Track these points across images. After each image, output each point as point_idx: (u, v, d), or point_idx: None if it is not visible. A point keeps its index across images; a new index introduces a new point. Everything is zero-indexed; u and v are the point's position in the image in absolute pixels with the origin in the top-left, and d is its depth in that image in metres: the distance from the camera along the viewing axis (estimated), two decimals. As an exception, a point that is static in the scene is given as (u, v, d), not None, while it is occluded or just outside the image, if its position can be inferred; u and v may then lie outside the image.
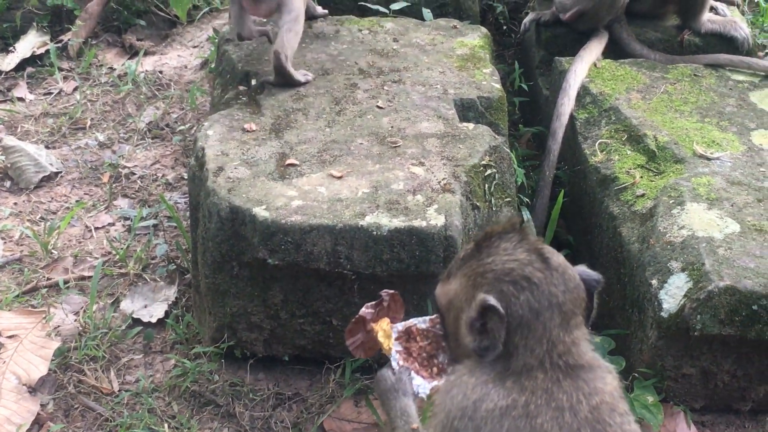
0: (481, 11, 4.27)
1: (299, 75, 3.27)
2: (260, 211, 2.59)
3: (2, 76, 4.55)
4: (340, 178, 2.75)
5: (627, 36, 3.86)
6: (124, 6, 4.85)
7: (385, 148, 2.91)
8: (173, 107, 4.28)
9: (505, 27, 4.34)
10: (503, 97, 3.30)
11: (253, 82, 3.31)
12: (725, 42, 3.90)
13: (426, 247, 2.56)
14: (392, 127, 3.03)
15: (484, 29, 3.76)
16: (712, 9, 4.04)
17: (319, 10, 3.71)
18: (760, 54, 4.11)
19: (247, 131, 2.99)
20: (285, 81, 3.24)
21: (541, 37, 4.00)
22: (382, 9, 3.91)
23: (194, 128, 4.08)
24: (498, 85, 3.33)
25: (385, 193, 2.68)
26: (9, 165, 3.86)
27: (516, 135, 3.83)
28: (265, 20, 3.54)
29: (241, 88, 3.31)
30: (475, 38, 3.66)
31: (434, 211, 2.61)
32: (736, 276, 2.56)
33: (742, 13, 4.32)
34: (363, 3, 3.95)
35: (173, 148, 4.04)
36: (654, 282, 2.68)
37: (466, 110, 3.21)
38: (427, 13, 3.92)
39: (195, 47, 4.71)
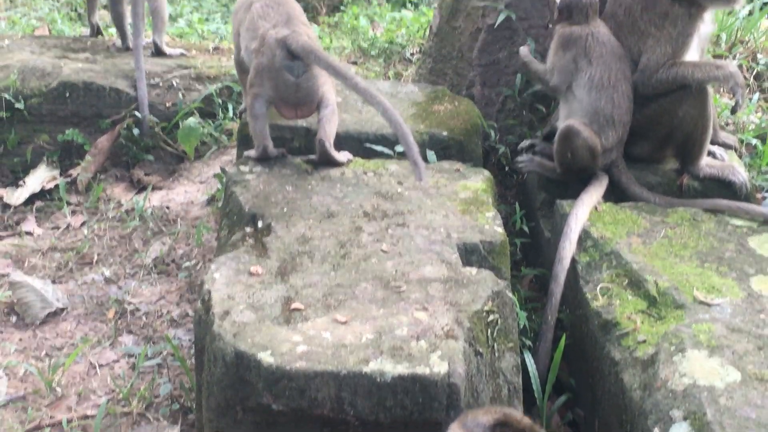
0: (484, 152, 4.39)
1: (341, 156, 3.85)
2: (265, 357, 2.64)
3: (11, 210, 4.67)
4: (344, 323, 2.81)
5: (626, 179, 3.97)
6: (132, 141, 5.00)
7: (389, 293, 2.98)
8: (179, 243, 4.37)
9: (507, 168, 4.45)
10: (505, 242, 3.39)
11: (260, 223, 3.40)
12: (724, 186, 4.00)
13: (429, 394, 2.60)
14: (396, 271, 3.10)
15: (486, 172, 3.87)
16: (710, 153, 4.16)
17: None
18: (759, 196, 4.20)
19: (253, 274, 3.06)
20: (329, 163, 3.81)
21: (542, 180, 4.11)
22: (386, 151, 4.02)
23: (199, 264, 4.17)
24: (500, 230, 3.42)
25: (389, 339, 2.73)
26: (16, 300, 3.92)
27: (518, 276, 3.90)
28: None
29: (247, 229, 3.39)
30: (477, 181, 3.76)
31: (437, 357, 2.66)
32: (738, 427, 2.59)
33: (740, 155, 4.44)
34: (368, 145, 4.06)
35: (178, 284, 4.11)
36: (656, 430, 2.71)
37: (469, 254, 3.29)
38: (431, 154, 4.04)
39: (202, 183, 4.83)
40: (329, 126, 3.82)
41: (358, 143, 4.11)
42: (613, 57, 3.98)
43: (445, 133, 4.15)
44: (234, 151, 4.82)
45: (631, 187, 3.96)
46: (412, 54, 6.02)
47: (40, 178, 4.85)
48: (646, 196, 3.92)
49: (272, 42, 3.75)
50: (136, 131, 4.96)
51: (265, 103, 3.81)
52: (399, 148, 4.04)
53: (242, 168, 3.78)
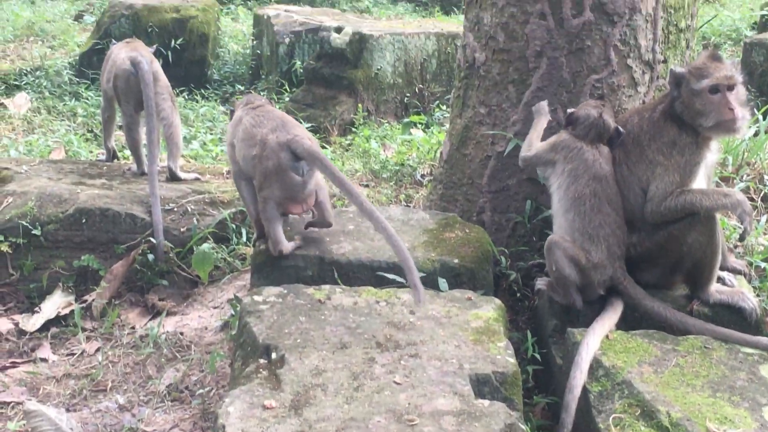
0: (495, 278, 4.47)
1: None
2: (280, 495, 2.68)
3: (27, 336, 4.74)
4: (358, 459, 2.85)
5: (636, 293, 4.04)
6: (147, 267, 5.09)
7: (402, 427, 3.02)
8: (193, 369, 4.42)
9: (518, 293, 4.52)
10: (517, 372, 3.44)
11: (273, 355, 3.47)
12: (734, 312, 4.07)
13: None
14: (409, 404, 3.15)
15: (498, 301, 3.94)
16: (720, 279, 4.23)
17: None
18: (768, 320, 4.26)
19: (267, 408, 3.11)
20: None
21: (553, 307, 4.18)
22: (399, 279, 4.11)
23: (213, 392, 4.21)
24: (512, 360, 3.48)
25: (403, 475, 2.77)
26: (29, 430, 3.96)
27: (530, 404, 3.94)
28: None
29: (261, 361, 3.46)
30: (489, 310, 3.83)
31: (451, 494, 2.70)
32: None
33: (749, 279, 4.51)
34: (381, 273, 4.15)
35: (192, 411, 4.15)
36: None
37: (482, 385, 3.34)
38: (442, 282, 4.12)
39: (215, 308, 4.90)
40: (330, 209, 4.37)
41: (370, 271, 4.20)
42: (593, 178, 4.13)
43: (456, 261, 4.24)
44: (247, 276, 4.91)
45: (643, 301, 4.03)
46: (422, 176, 6.15)
47: (55, 304, 4.94)
48: (659, 310, 3.98)
49: (275, 145, 3.99)
50: (150, 256, 5.06)
51: (276, 205, 4.07)
52: (411, 276, 4.12)
53: (256, 298, 3.86)
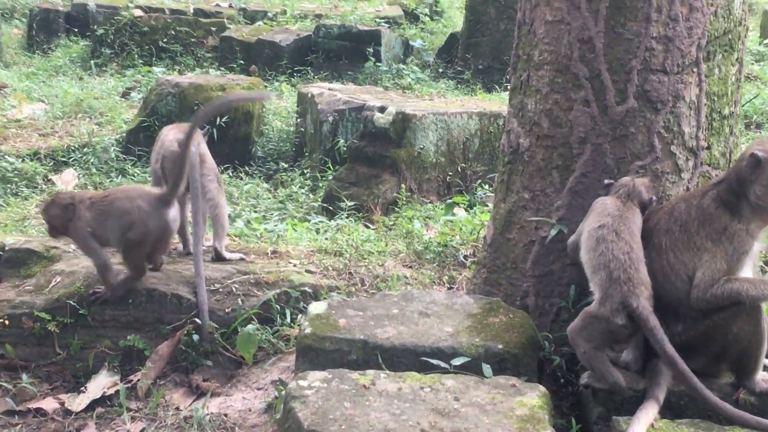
0: (539, 363, 4.51)
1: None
2: None
3: (72, 416, 4.83)
4: None
5: (651, 324, 4.04)
6: (192, 347, 5.18)
7: None
8: (236, 453, 4.48)
9: (562, 380, 4.56)
10: (562, 462, 3.48)
11: (319, 441, 3.52)
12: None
13: None
14: (454, 493, 3.19)
15: (542, 388, 3.98)
16: (766, 368, 4.24)
17: None
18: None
19: (313, 496, 3.17)
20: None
21: (597, 393, 4.20)
22: (443, 364, 4.16)
23: (256, 476, 4.27)
24: (557, 449, 3.51)
25: None
26: None
27: (575, 494, 3.95)
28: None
29: (307, 448, 3.52)
30: (534, 398, 3.87)
31: None
32: None
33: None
34: (425, 358, 4.21)
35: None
36: None
37: (526, 475, 3.37)
38: (486, 368, 4.16)
39: (260, 389, 4.96)
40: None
41: (414, 356, 4.26)
42: (606, 215, 4.27)
43: (500, 347, 4.29)
44: (291, 358, 4.98)
45: (663, 345, 3.96)
46: (465, 257, 6.22)
47: (101, 383, 5.03)
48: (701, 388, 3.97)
49: None
50: (195, 337, 5.15)
51: None
52: (455, 362, 4.18)
53: (301, 382, 3.92)
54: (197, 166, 5.60)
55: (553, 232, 4.72)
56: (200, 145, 5.77)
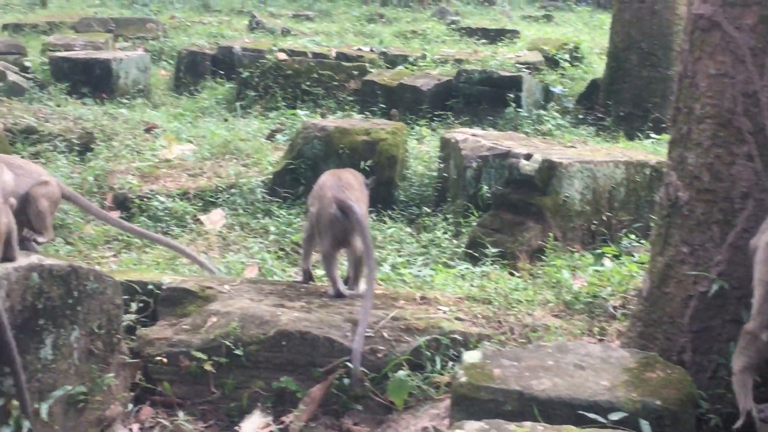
0: (696, 421, 4.45)
1: None
2: None
3: (230, 455, 4.97)
4: None
5: None
6: (342, 391, 5.27)
7: None
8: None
9: (722, 438, 4.50)
10: None
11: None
12: None
13: None
14: None
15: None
16: None
17: None
18: None
19: None
20: None
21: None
22: (600, 419, 4.15)
23: None
24: None
25: None
26: None
27: None
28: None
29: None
30: (695, 458, 3.83)
31: None
32: None
33: None
34: (582, 412, 4.20)
35: None
36: None
37: None
38: (644, 424, 4.15)
39: (410, 438, 5.03)
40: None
41: (570, 409, 4.26)
42: None
43: (658, 403, 4.26)
44: (442, 405, 5.03)
45: None
46: (614, 307, 6.18)
47: (254, 424, 5.16)
48: None
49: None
50: (346, 381, 5.23)
51: None
52: (613, 417, 4.16)
53: (458, 432, 3.97)
54: (367, 230, 5.78)
55: (714, 287, 4.67)
56: (361, 205, 5.92)
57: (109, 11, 23.54)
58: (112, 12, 23.12)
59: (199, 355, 5.34)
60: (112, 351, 5.13)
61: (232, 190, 9.51)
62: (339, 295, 5.94)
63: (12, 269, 4.59)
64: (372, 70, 14.42)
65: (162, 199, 9.17)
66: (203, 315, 5.66)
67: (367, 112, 12.91)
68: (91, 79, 14.45)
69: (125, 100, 14.13)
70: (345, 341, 5.36)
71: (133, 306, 5.77)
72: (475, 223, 8.43)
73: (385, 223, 8.94)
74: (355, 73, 14.21)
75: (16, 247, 4.72)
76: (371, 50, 15.81)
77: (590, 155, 8.65)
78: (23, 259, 4.72)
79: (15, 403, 4.51)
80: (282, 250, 8.30)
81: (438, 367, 5.36)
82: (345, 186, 5.93)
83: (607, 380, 4.44)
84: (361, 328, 5.32)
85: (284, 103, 13.75)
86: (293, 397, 5.28)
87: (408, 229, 8.88)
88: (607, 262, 7.26)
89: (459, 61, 15.20)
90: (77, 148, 10.97)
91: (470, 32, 19.86)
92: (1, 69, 14.09)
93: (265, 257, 7.81)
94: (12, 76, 14.10)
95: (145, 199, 9.19)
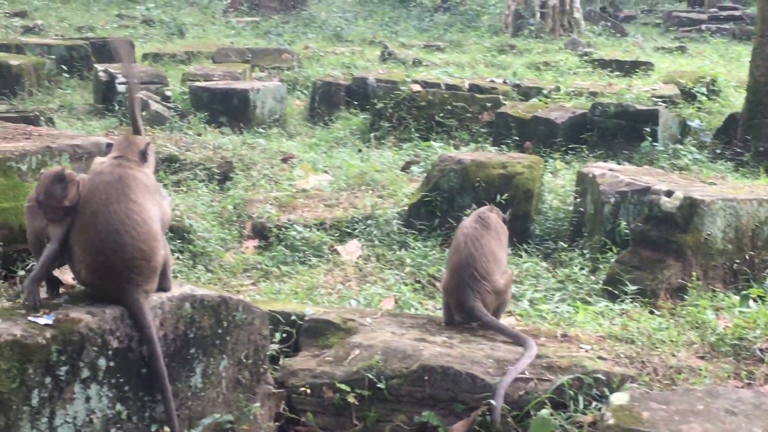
0: None
1: None
2: None
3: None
4: None
5: None
6: (485, 427, 5.26)
7: None
8: None
9: None
10: None
11: None
12: None
13: None
14: None
15: None
16: None
17: None
18: None
19: None
20: None
21: None
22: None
23: None
24: None
25: None
26: None
27: None
28: None
29: None
30: None
31: None
32: None
33: None
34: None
35: None
36: None
37: None
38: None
39: (552, 477, 4.99)
40: None
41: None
42: None
43: (815, 453, 4.15)
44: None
45: None
46: (762, 351, 6.03)
47: (396, 457, 5.20)
48: None
49: None
50: (489, 418, 5.23)
51: None
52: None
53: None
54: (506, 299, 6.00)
55: None
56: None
57: (244, 41, 24.13)
58: (247, 42, 23.69)
59: (343, 387, 5.40)
60: (258, 381, 5.23)
61: (368, 221, 9.62)
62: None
63: (166, 299, 4.73)
64: (505, 102, 14.43)
65: (299, 228, 9.34)
66: (346, 347, 5.73)
67: (501, 145, 12.91)
68: (229, 109, 14.83)
69: (261, 130, 14.44)
70: (487, 377, 5.36)
71: (277, 336, 5.88)
72: (613, 260, 8.35)
73: (520, 257, 8.92)
74: (489, 104, 14.24)
75: (171, 277, 4.86)
76: (504, 82, 15.84)
77: (732, 192, 8.48)
78: (176, 289, 4.85)
79: (166, 429, 4.63)
80: (418, 282, 8.36)
81: (581, 406, 5.30)
82: (483, 225, 5.98)
83: (761, 428, 4.34)
84: (513, 373, 5.30)
85: (417, 135, 13.86)
86: (435, 430, 5.30)
87: (544, 264, 8.85)
88: (751, 303, 7.09)
89: (593, 93, 15.10)
90: (217, 176, 11.27)
91: (603, 64, 19.73)
92: (145, 98, 14.55)
93: (402, 289, 7.87)
94: (154, 106, 14.56)
95: (282, 229, 9.37)
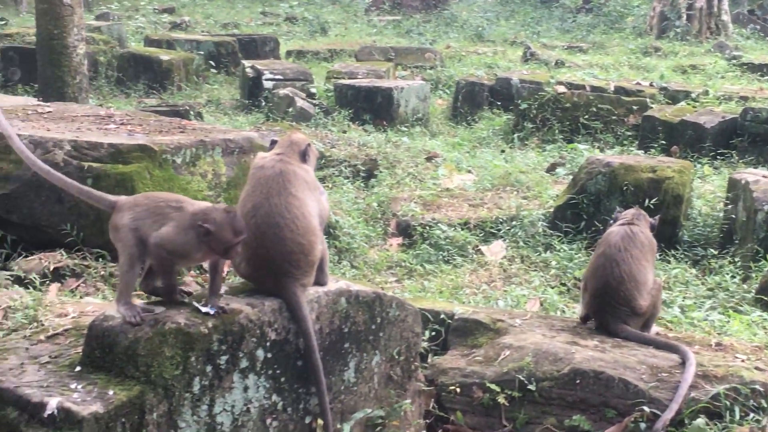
0: None
1: None
2: None
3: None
4: None
5: None
6: (637, 435, 5.18)
7: None
8: None
9: None
10: None
11: None
12: None
13: None
14: None
15: None
16: None
17: None
18: None
19: None
20: None
21: None
22: None
23: None
24: None
25: None
26: None
27: None
28: None
29: None
30: None
31: None
32: None
33: None
34: None
35: None
36: None
37: None
38: None
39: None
40: None
41: None
42: None
43: None
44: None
45: None
46: None
47: (546, 460, 5.16)
48: None
49: None
50: (642, 425, 5.13)
51: None
52: None
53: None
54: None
55: None
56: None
57: (386, 39, 24.29)
58: (389, 41, 23.84)
59: (493, 387, 5.39)
60: (409, 378, 5.26)
61: (513, 222, 9.57)
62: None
63: (322, 293, 4.79)
64: (652, 105, 14.17)
65: (444, 227, 9.35)
66: (496, 347, 5.71)
67: (647, 149, 12.68)
68: (373, 107, 14.96)
69: (404, 128, 14.52)
70: (640, 384, 5.27)
71: (426, 334, 5.90)
72: (766, 268, 8.10)
73: (669, 263, 8.74)
74: (635, 107, 14.02)
75: (327, 272, 4.91)
76: (651, 85, 15.55)
77: None
78: (332, 284, 4.91)
79: (319, 422, 4.68)
80: (563, 285, 8.27)
81: (737, 417, 5.17)
82: (621, 287, 5.84)
83: None
84: (685, 386, 5.20)
85: (561, 136, 13.73)
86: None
87: (693, 271, 8.64)
88: None
89: (744, 98, 14.70)
90: (362, 173, 11.36)
91: (752, 68, 19.18)
92: (290, 95, 14.78)
93: (548, 291, 7.80)
94: (300, 102, 14.78)
95: (427, 227, 9.39)
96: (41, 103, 11.23)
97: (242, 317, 4.40)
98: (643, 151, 12.36)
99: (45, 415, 3.92)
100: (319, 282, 4.83)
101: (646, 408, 5.15)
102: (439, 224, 9.44)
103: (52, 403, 3.94)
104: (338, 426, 4.82)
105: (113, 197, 4.53)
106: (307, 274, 4.68)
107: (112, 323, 4.24)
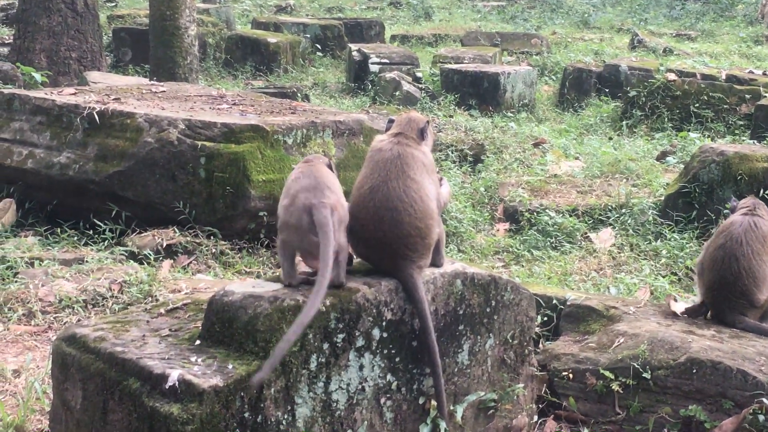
0: None
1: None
2: None
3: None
4: None
5: None
6: (756, 427, 5.05)
7: None
8: None
9: None
10: None
11: None
12: None
13: None
14: None
15: None
16: None
17: None
18: None
19: None
20: None
21: None
22: None
23: None
24: None
25: None
26: None
27: None
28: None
29: None
30: None
31: None
32: None
33: None
34: None
35: None
36: None
37: None
38: None
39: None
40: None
41: None
42: None
43: None
44: None
45: None
46: None
47: (661, 448, 5.08)
48: None
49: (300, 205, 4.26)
50: (761, 417, 5.02)
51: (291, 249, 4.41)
52: None
53: None
54: None
55: None
56: None
57: (491, 25, 24.17)
58: (494, 26, 23.70)
59: (607, 374, 5.31)
60: (522, 362, 5.21)
61: (622, 210, 9.44)
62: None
63: (438, 275, 4.76)
64: (766, 94, 13.79)
65: (551, 214, 9.27)
66: (609, 334, 5.63)
67: (760, 138, 12.37)
68: (479, 92, 14.88)
69: (510, 114, 14.42)
70: (759, 375, 5.14)
71: (538, 319, 5.85)
72: None
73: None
74: (748, 96, 13.67)
75: (443, 254, 4.89)
76: (764, 73, 15.15)
77: None
78: (448, 266, 4.88)
79: (433, 403, 4.67)
80: (674, 274, 8.14)
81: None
82: (740, 281, 5.70)
83: None
84: None
85: (671, 125, 13.48)
86: (701, 427, 5.13)
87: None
88: None
89: None
90: (469, 158, 11.32)
91: None
92: (397, 79, 14.80)
93: (659, 280, 7.67)
94: (406, 86, 14.79)
95: (534, 213, 9.32)
96: (155, 82, 11.44)
97: (359, 296, 4.40)
98: (755, 141, 12.05)
99: (166, 386, 3.97)
100: (436, 263, 4.81)
101: (765, 400, 5.03)
102: (547, 210, 9.36)
103: (174, 375, 3.98)
104: (451, 407, 4.80)
105: None
106: (424, 256, 4.66)
107: (232, 298, 4.28)
